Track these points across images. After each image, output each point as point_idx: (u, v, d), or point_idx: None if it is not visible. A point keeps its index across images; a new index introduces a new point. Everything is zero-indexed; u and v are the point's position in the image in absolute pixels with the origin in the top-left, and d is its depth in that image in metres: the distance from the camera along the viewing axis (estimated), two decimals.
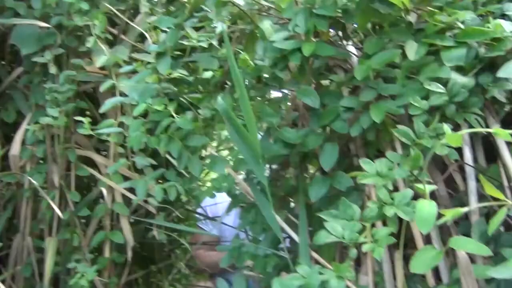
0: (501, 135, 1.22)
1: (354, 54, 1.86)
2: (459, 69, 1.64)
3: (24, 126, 2.41)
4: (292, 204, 2.01)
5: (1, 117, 2.61)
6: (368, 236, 1.45)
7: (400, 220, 1.49)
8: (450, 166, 1.70)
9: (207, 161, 1.93)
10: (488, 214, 1.56)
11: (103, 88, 2.09)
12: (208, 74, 1.96)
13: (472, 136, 1.69)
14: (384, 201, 1.45)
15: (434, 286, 1.57)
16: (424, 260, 1.41)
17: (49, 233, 2.43)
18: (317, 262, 1.69)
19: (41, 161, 2.51)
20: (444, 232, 1.68)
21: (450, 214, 1.29)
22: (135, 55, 2.08)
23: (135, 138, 1.81)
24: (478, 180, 1.63)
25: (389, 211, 1.43)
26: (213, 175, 1.93)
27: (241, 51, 1.92)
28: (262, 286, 1.96)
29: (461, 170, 1.70)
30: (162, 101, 1.83)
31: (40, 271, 2.43)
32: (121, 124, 2.04)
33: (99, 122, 2.06)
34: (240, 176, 1.93)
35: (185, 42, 1.84)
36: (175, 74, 1.84)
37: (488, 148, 1.72)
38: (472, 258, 1.53)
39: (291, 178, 1.95)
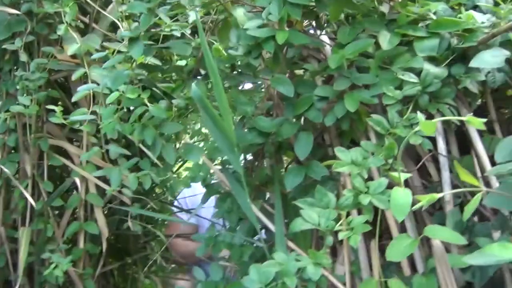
0: (474, 123, 1.23)
1: (328, 44, 1.87)
2: (432, 60, 1.66)
3: None
4: (268, 195, 2.02)
5: None
6: (344, 224, 1.46)
7: (376, 209, 1.50)
8: (423, 157, 1.71)
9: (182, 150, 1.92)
10: (461, 205, 1.58)
11: (75, 76, 2.08)
12: (181, 63, 1.95)
13: (446, 128, 1.71)
14: (359, 189, 1.47)
15: (410, 275, 1.59)
16: (400, 249, 1.42)
17: (22, 223, 2.41)
18: (293, 252, 1.70)
19: (13, 151, 2.48)
20: (419, 222, 1.70)
21: (426, 199, 1.30)
22: (107, 44, 2.06)
23: (108, 125, 1.79)
24: (451, 171, 1.66)
25: (365, 200, 1.44)
26: (189, 166, 1.93)
27: (214, 42, 1.91)
28: (238, 277, 1.96)
29: (435, 161, 1.72)
30: (135, 90, 1.82)
31: (14, 261, 2.41)
32: (93, 114, 2.02)
33: (71, 112, 2.04)
34: (215, 166, 1.94)
35: (157, 31, 1.83)
36: (148, 60, 1.82)
37: (461, 141, 1.74)
38: (447, 248, 1.55)
39: (266, 168, 1.95)
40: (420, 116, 1.33)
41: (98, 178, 2.33)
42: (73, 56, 2.28)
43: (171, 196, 2.99)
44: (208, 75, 1.91)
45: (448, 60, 1.66)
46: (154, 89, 1.98)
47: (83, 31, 2.34)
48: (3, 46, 2.29)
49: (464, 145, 1.72)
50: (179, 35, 1.82)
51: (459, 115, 1.66)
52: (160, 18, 1.77)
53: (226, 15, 1.93)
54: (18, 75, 2.25)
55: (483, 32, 1.64)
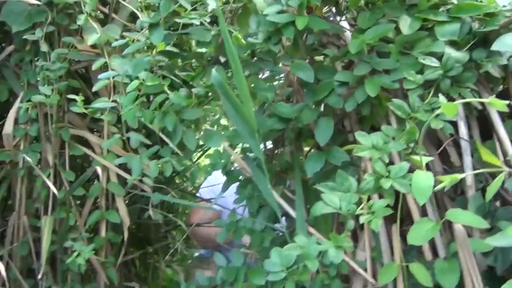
0: (496, 105, 1.23)
1: (348, 30, 1.86)
2: (453, 44, 1.65)
3: (17, 104, 2.39)
4: (288, 182, 2.02)
5: None
6: (365, 208, 1.46)
7: (397, 194, 1.50)
8: (445, 142, 1.70)
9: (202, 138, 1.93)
10: (483, 190, 1.57)
11: (95, 66, 2.08)
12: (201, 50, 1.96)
13: (467, 113, 1.70)
14: (381, 173, 1.47)
15: (432, 260, 1.59)
16: (421, 232, 1.42)
17: (44, 212, 2.43)
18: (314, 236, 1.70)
19: (34, 141, 2.50)
20: (441, 207, 1.69)
21: (448, 180, 1.30)
22: (126, 34, 2.07)
23: (129, 112, 1.80)
24: (473, 156, 1.65)
25: (386, 184, 1.44)
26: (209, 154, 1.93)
27: (233, 31, 1.91)
28: (259, 264, 1.97)
29: (456, 146, 1.71)
30: (155, 78, 1.83)
31: (36, 249, 2.43)
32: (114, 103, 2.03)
33: (92, 102, 2.05)
34: (236, 152, 1.94)
35: (177, 20, 1.83)
36: (168, 48, 1.83)
37: (483, 126, 1.73)
38: (469, 233, 1.55)
39: (286, 154, 1.96)
40: (442, 98, 1.32)
41: (119, 167, 2.34)
42: (93, 46, 2.29)
43: (191, 185, 3.00)
44: (228, 63, 1.91)
45: (470, 45, 1.65)
46: (173, 78, 1.99)
47: (103, 21, 2.35)
48: (24, 37, 2.30)
49: (486, 131, 1.71)
50: (198, 23, 1.83)
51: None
52: (179, 6, 1.78)
53: (245, 2, 1.93)
54: (39, 65, 2.27)
55: (504, 16, 1.63)
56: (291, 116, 1.76)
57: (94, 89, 2.04)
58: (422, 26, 1.65)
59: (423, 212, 1.63)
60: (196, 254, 3.16)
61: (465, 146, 1.65)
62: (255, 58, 1.89)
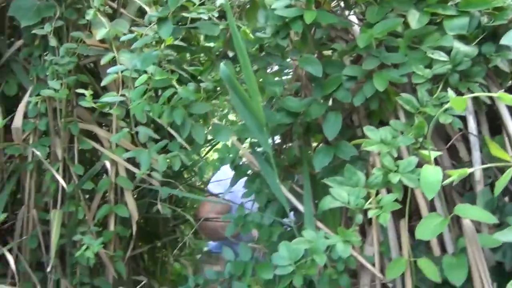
0: (505, 99, 1.22)
1: (356, 24, 1.86)
2: (462, 38, 1.65)
3: (26, 98, 2.40)
4: (296, 177, 2.02)
5: (2, 90, 2.61)
6: (373, 203, 1.45)
7: (406, 189, 1.50)
8: (453, 136, 1.70)
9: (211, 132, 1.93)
10: (492, 185, 1.56)
11: (104, 61, 2.09)
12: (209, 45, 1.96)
13: (476, 108, 1.70)
14: (389, 168, 1.46)
15: (440, 256, 1.58)
16: (430, 227, 1.42)
17: (53, 205, 2.44)
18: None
19: (44, 135, 2.51)
20: (449, 203, 1.69)
21: (456, 174, 1.29)
22: (135, 29, 2.07)
23: (137, 106, 1.80)
24: (482, 151, 1.65)
25: (394, 178, 1.44)
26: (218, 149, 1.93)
27: (241, 26, 1.91)
28: (268, 259, 1.97)
29: (465, 140, 1.71)
30: (164, 72, 1.83)
31: (46, 243, 2.44)
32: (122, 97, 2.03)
33: (100, 96, 2.06)
34: (244, 146, 1.94)
35: (185, 14, 1.83)
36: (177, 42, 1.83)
37: (492, 121, 1.72)
38: (477, 229, 1.55)
39: (294, 149, 1.95)
40: (451, 93, 1.32)
41: (128, 161, 2.35)
42: (102, 41, 2.30)
43: (200, 179, 3.01)
44: (236, 58, 1.91)
45: (479, 39, 1.64)
46: (182, 72, 1.99)
47: (111, 16, 2.36)
48: (33, 31, 2.31)
49: (495, 126, 1.71)
50: (206, 18, 1.83)
51: None
52: (187, 1, 1.78)
53: None
54: (48, 60, 2.28)
55: None
56: (299, 111, 1.76)
57: (102, 83, 2.05)
58: (430, 21, 1.64)
59: (432, 207, 1.63)
60: (205, 249, 3.17)
61: (474, 141, 1.65)
62: (263, 53, 1.89)
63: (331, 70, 1.76)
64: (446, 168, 1.69)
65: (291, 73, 2.12)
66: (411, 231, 1.50)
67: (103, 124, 2.61)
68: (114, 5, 2.44)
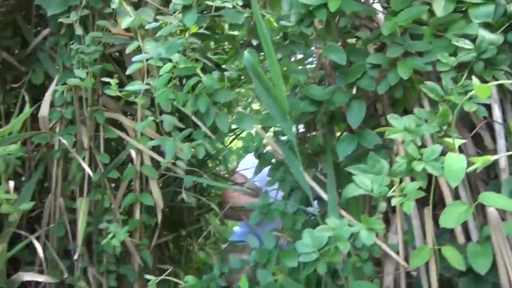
0: None
1: (380, 12, 1.85)
2: (487, 26, 1.63)
3: (52, 87, 2.43)
4: (320, 166, 2.02)
5: (29, 79, 2.64)
6: (397, 191, 1.45)
7: (430, 178, 1.49)
8: (478, 124, 1.69)
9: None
10: None
11: (129, 49, 2.10)
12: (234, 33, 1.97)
13: (502, 97, 1.68)
14: (413, 156, 1.46)
15: (464, 244, 1.58)
16: (454, 215, 1.42)
17: (80, 194, 2.47)
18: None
19: (70, 124, 2.53)
20: (474, 191, 1.68)
21: (480, 162, 1.28)
22: (159, 17, 2.08)
23: (162, 94, 1.81)
24: (507, 140, 1.64)
25: (418, 166, 1.43)
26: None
27: (266, 14, 1.91)
28: (292, 247, 1.97)
29: (490, 129, 1.70)
30: (188, 61, 1.84)
31: (72, 231, 2.47)
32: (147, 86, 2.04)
33: (125, 85, 2.07)
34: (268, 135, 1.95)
35: (209, 2, 1.84)
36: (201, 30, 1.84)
37: None
38: (502, 217, 1.54)
39: (318, 137, 1.95)
40: (476, 80, 1.31)
41: (153, 150, 2.36)
42: (127, 30, 2.31)
43: (224, 168, 3.02)
44: (260, 46, 1.91)
45: (504, 27, 1.62)
46: (206, 61, 1.99)
47: (136, 5, 2.36)
48: (59, 20, 2.33)
49: None
50: (230, 6, 1.83)
51: None
52: None
53: None
54: (74, 49, 2.29)
55: None
56: (323, 99, 1.76)
57: (128, 72, 2.05)
58: (456, 8, 1.63)
59: (456, 196, 1.62)
60: (230, 238, 3.18)
61: (499, 129, 1.64)
62: (287, 41, 1.88)
63: (355, 58, 1.76)
64: (470, 156, 1.68)
65: (315, 62, 2.12)
66: (436, 220, 1.50)
67: (128, 113, 2.62)
68: None
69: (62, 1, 2.34)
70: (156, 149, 2.33)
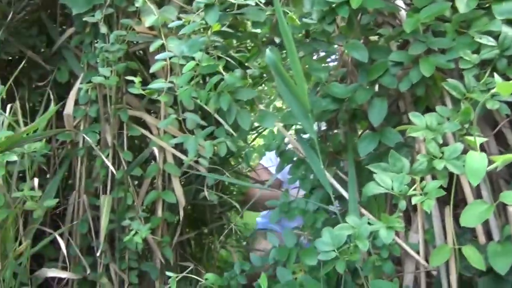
0: None
1: (403, 9, 1.84)
2: (511, 23, 1.61)
3: (77, 85, 2.45)
4: (342, 164, 2.01)
5: (55, 77, 2.67)
6: (418, 189, 1.44)
7: (451, 176, 1.48)
8: (501, 122, 1.67)
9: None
10: None
11: (152, 48, 2.11)
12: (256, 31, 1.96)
13: None
14: (434, 154, 1.45)
15: (485, 244, 1.56)
16: (475, 214, 1.40)
17: (103, 191, 2.49)
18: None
19: (94, 121, 2.55)
20: (496, 191, 1.66)
21: (500, 160, 1.27)
22: (183, 16, 2.09)
23: (184, 92, 1.82)
24: None
25: (439, 165, 1.43)
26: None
27: (288, 12, 1.91)
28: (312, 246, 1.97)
29: None
30: (210, 59, 1.84)
31: (95, 228, 2.49)
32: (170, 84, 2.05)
33: (149, 84, 2.08)
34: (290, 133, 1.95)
35: (232, 0, 1.84)
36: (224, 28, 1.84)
37: None
38: None
39: (340, 135, 1.95)
40: (497, 78, 1.30)
41: (176, 148, 2.38)
42: (151, 28, 2.32)
43: (246, 166, 3.02)
44: (282, 44, 1.91)
45: None
46: (229, 58, 2.00)
47: (160, 3, 2.37)
48: (84, 19, 2.35)
49: None
50: (253, 4, 1.83)
51: None
52: None
53: None
54: (99, 47, 2.31)
55: None
56: (344, 97, 1.75)
57: (151, 70, 2.06)
58: (479, 5, 1.61)
59: (478, 195, 1.61)
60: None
61: None
62: (309, 39, 1.88)
63: (377, 55, 1.75)
64: (493, 154, 1.66)
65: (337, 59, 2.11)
66: (457, 219, 1.49)
67: (152, 111, 2.64)
68: None
69: (87, 0, 2.35)
70: (179, 147, 2.34)
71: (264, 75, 2.13)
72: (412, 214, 1.77)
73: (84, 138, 2.48)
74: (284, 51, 1.87)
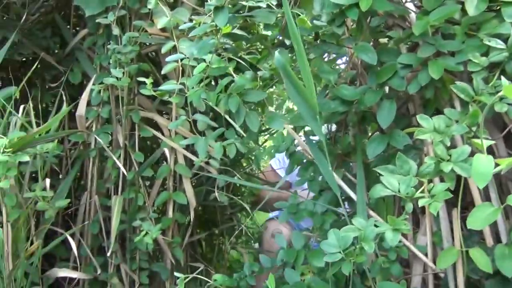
0: None
1: (413, 11, 1.84)
2: None
3: (89, 86, 2.47)
4: (350, 166, 2.02)
5: (67, 78, 2.69)
6: (425, 192, 1.44)
7: (459, 179, 1.48)
8: (510, 125, 1.66)
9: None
10: None
11: (164, 49, 2.12)
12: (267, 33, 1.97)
13: None
14: (442, 157, 1.45)
15: (493, 246, 1.56)
16: (482, 216, 1.40)
17: (115, 192, 2.51)
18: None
19: (106, 122, 2.57)
20: (505, 193, 1.66)
21: (505, 163, 1.27)
22: (195, 17, 2.10)
23: (194, 93, 1.83)
24: None
25: (446, 167, 1.42)
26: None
27: (299, 14, 1.91)
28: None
29: None
30: (221, 61, 1.85)
31: (106, 228, 2.51)
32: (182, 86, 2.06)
33: (161, 85, 2.09)
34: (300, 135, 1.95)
35: (243, 3, 1.85)
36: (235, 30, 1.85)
37: None
38: None
39: (348, 137, 1.95)
40: (504, 80, 1.29)
41: (187, 149, 2.39)
42: (163, 30, 2.34)
43: (256, 167, 3.02)
44: (292, 46, 1.91)
45: None
46: (239, 60, 2.00)
47: (172, 5, 2.39)
48: (97, 20, 2.38)
49: None
50: (265, 6, 1.84)
51: None
52: None
53: None
54: (111, 49, 2.34)
55: None
56: (353, 99, 1.75)
57: (163, 72, 2.08)
58: (488, 7, 1.60)
59: (487, 198, 1.60)
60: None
61: None
62: (319, 41, 1.88)
63: (386, 57, 1.75)
64: (501, 157, 1.66)
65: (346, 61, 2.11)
66: (465, 221, 1.48)
67: (163, 112, 2.65)
68: None
69: (100, 2, 2.38)
70: (190, 148, 2.36)
71: (275, 77, 2.14)
72: (421, 216, 1.77)
73: (96, 139, 2.51)
74: (294, 53, 1.88)
